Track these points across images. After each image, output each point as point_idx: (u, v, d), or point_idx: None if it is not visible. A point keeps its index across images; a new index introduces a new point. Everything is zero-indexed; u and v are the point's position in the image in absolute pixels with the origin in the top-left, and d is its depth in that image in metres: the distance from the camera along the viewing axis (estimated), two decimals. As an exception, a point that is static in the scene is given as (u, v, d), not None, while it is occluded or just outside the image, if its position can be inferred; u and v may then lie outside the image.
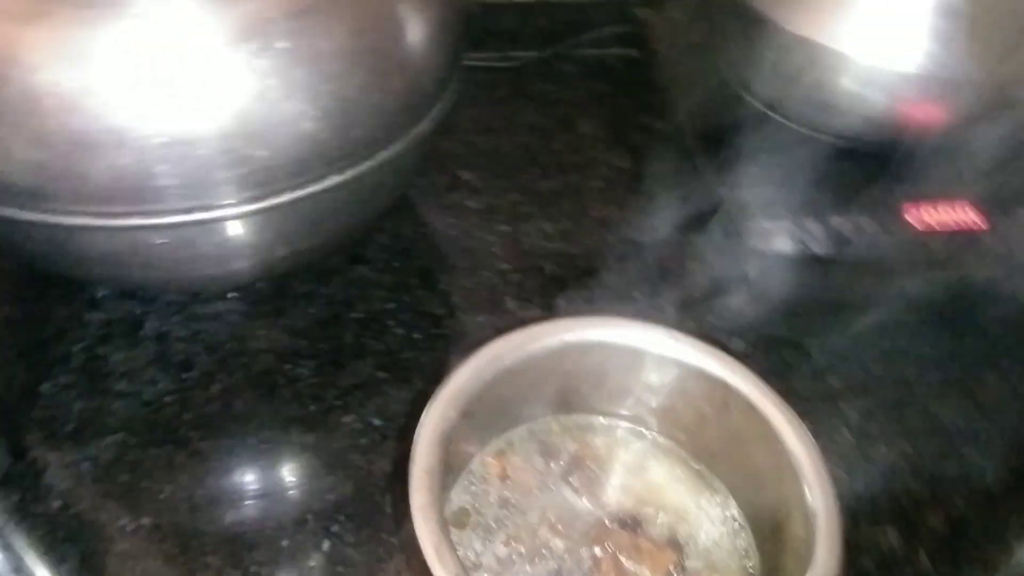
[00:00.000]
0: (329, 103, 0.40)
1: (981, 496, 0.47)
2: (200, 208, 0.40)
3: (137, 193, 0.39)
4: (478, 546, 0.39)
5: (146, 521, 0.43)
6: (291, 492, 0.45)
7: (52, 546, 0.42)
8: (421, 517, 0.32)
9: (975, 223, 0.52)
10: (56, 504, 0.43)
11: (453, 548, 0.32)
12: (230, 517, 0.43)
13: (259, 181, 0.40)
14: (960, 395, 0.51)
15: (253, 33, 0.38)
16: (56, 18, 0.37)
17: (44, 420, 0.46)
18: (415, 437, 0.35)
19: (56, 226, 0.39)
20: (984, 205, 0.53)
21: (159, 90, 0.37)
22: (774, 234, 0.52)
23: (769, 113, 0.60)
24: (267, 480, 0.45)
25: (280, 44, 0.38)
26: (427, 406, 0.36)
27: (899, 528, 0.45)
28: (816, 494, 0.36)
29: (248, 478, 0.45)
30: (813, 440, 0.37)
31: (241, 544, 0.42)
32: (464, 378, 0.37)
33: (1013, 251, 0.52)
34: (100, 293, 0.52)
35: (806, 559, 0.34)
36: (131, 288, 0.52)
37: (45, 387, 0.48)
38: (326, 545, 0.42)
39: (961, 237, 0.52)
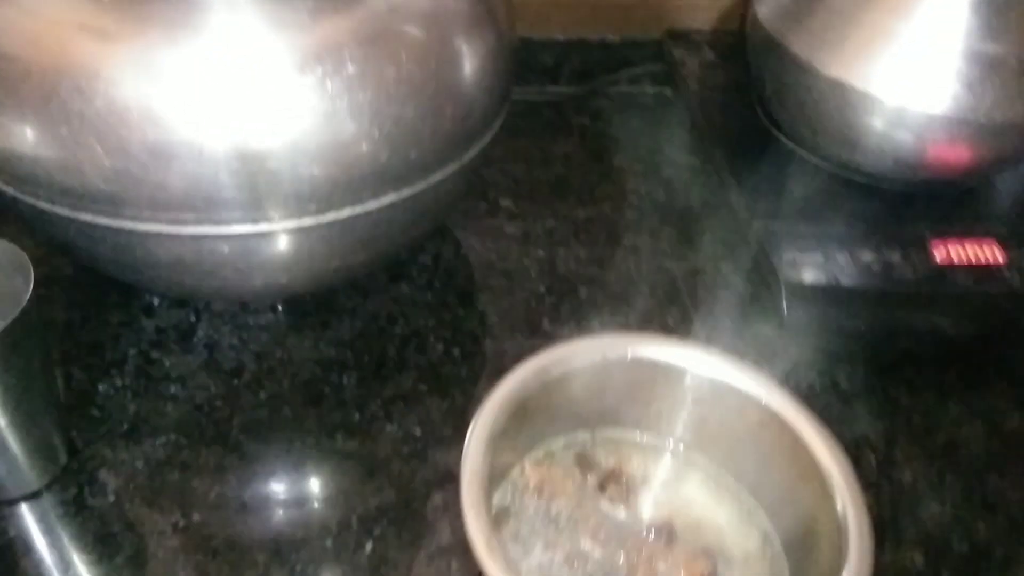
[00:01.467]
0: (390, 126, 0.42)
1: (1004, 521, 0.48)
2: (265, 219, 0.42)
3: (207, 203, 0.41)
4: (517, 551, 0.40)
5: (196, 518, 0.44)
6: (335, 496, 0.46)
7: (105, 539, 0.43)
8: (473, 514, 0.34)
9: (998, 259, 0.54)
10: (111, 499, 0.45)
11: (502, 544, 0.33)
12: (276, 517, 0.45)
13: (321, 196, 0.42)
14: (984, 424, 0.52)
15: (324, 57, 0.40)
16: (141, 37, 0.40)
17: (99, 419, 0.49)
18: (467, 439, 0.37)
19: (131, 232, 0.42)
20: (1008, 243, 0.55)
21: (233, 106, 0.40)
22: (804, 265, 0.54)
23: (799, 151, 0.62)
24: (312, 483, 0.47)
25: (349, 68, 0.41)
26: (478, 410, 0.38)
27: (924, 551, 0.46)
28: (849, 511, 0.37)
29: (294, 481, 0.47)
30: (846, 459, 0.39)
31: (287, 543, 0.44)
32: (512, 386, 0.39)
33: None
34: (155, 301, 0.55)
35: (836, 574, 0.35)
36: (189, 295, 0.54)
37: (101, 388, 0.50)
38: (369, 546, 0.44)
39: (984, 272, 0.53)
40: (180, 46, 0.39)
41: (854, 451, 0.50)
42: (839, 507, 0.37)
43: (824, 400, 0.53)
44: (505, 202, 0.65)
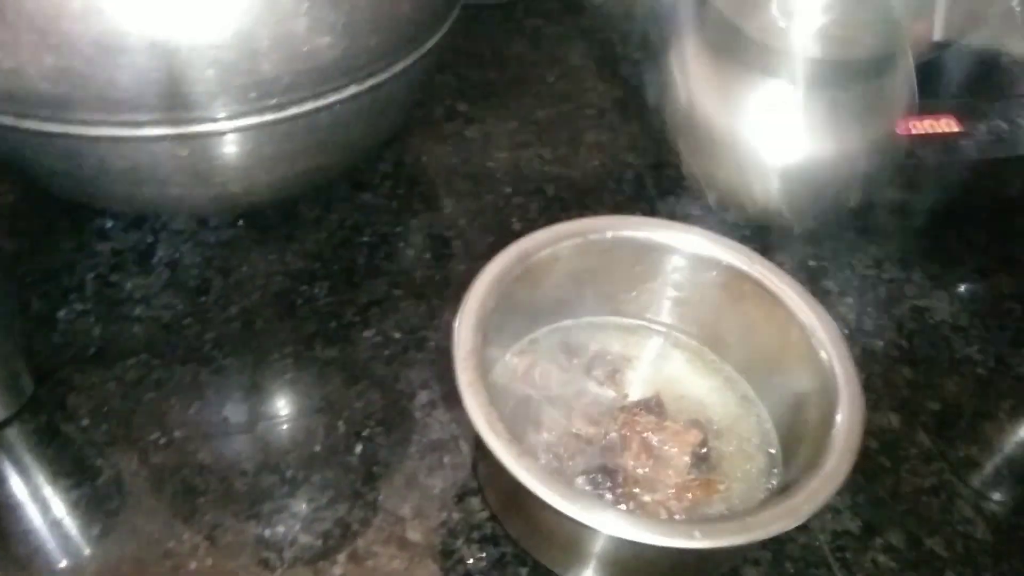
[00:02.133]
0: (350, 12, 0.41)
1: (971, 381, 0.50)
2: (226, 116, 0.40)
3: (161, 101, 0.39)
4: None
5: (178, 434, 0.43)
6: (319, 402, 0.45)
7: (82, 462, 0.42)
8: (470, 393, 0.34)
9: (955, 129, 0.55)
10: (84, 423, 0.43)
11: (503, 419, 0.33)
12: (261, 428, 0.44)
13: (282, 89, 0.40)
14: (944, 292, 0.54)
15: (276, -62, 0.38)
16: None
17: (64, 345, 0.47)
18: (455, 324, 0.36)
19: (81, 138, 0.40)
20: (963, 115, 0.56)
21: (182, -3, 0.37)
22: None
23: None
24: (294, 392, 0.46)
25: (303, -51, 0.38)
26: (465, 295, 0.38)
27: (899, 412, 0.47)
28: (836, 365, 0.38)
29: (275, 391, 0.46)
30: (830, 317, 0.39)
31: (275, 451, 0.43)
32: (496, 270, 0.39)
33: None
34: (108, 224, 0.52)
35: (824, 437, 0.36)
36: (145, 210, 0.52)
37: (61, 314, 0.48)
38: (359, 448, 0.43)
39: (942, 142, 0.55)
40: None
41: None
42: (825, 361, 0.38)
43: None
44: (462, 106, 0.64)
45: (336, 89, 0.42)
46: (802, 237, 0.55)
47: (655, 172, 0.60)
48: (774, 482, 0.39)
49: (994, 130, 0.57)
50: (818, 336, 0.39)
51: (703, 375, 0.44)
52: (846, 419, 0.35)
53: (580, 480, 0.38)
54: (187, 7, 0.37)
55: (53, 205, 0.51)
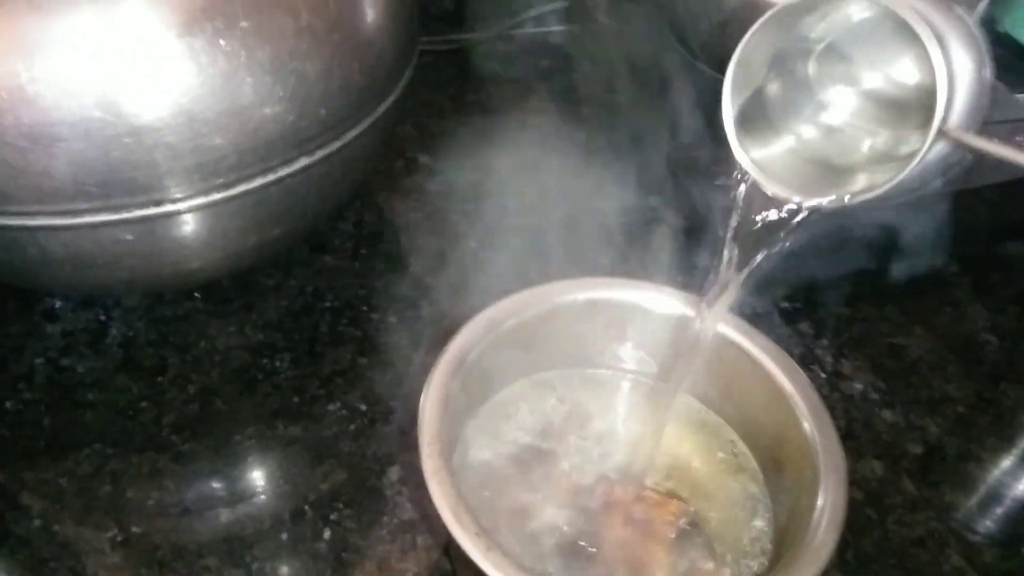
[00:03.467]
0: (295, 83, 0.39)
1: (952, 420, 0.49)
2: (169, 199, 0.38)
3: (102, 188, 0.37)
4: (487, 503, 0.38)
5: (135, 530, 0.41)
6: (284, 485, 0.44)
7: (37, 566, 0.40)
8: (435, 482, 0.32)
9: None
10: (36, 523, 0.41)
11: (470, 509, 0.32)
12: (224, 517, 0.42)
13: (228, 167, 0.39)
14: (920, 327, 0.53)
15: (214, 13, 0.36)
16: (6, 8, 0.35)
17: (12, 439, 0.44)
18: (420, 407, 0.35)
19: (19, 229, 0.38)
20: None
21: (117, 76, 0.36)
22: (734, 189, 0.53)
23: (717, 75, 0.61)
24: (258, 476, 0.44)
25: (243, 23, 0.37)
26: (430, 374, 0.36)
27: (882, 459, 0.46)
28: (815, 428, 0.36)
29: (237, 476, 0.44)
30: (806, 379, 0.38)
31: (239, 543, 0.41)
32: (462, 344, 0.37)
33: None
34: (57, 304, 0.50)
35: (812, 491, 0.35)
36: (94, 293, 0.50)
37: (9, 405, 0.46)
38: (327, 534, 0.41)
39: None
40: (54, 16, 0.35)
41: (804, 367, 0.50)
42: (806, 426, 0.37)
43: (768, 322, 0.53)
44: (424, 158, 0.62)
45: (286, 163, 0.41)
46: (773, 280, 0.54)
47: (624, 217, 0.59)
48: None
49: (961, 162, 0.56)
50: (796, 400, 0.37)
51: (688, 426, 0.42)
52: (829, 498, 0.33)
53: (557, 562, 0.36)
54: (121, 91, 0.35)
55: (-2, 287, 0.49)
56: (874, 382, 0.50)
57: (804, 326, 0.53)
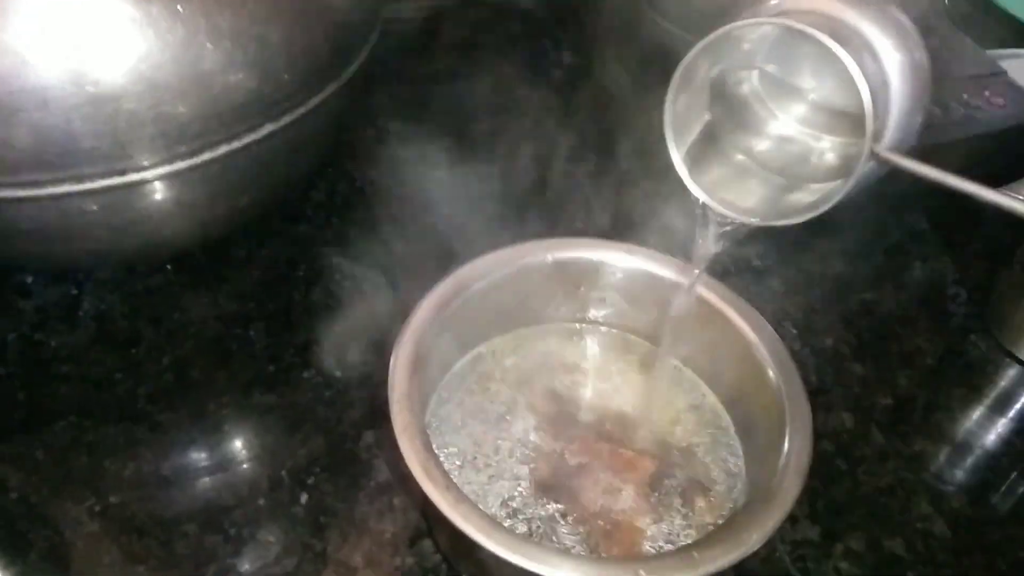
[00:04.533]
0: (256, 48, 0.39)
1: (922, 372, 0.50)
2: (133, 168, 0.38)
3: (63, 158, 0.37)
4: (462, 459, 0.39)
5: (114, 499, 0.41)
6: (261, 452, 0.44)
7: (14, 538, 0.40)
8: (406, 438, 0.32)
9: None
10: (13, 496, 0.41)
11: (440, 464, 0.32)
12: (202, 485, 0.42)
13: (191, 134, 0.39)
14: (890, 282, 0.54)
15: (171, -22, 0.36)
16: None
17: (-13, 414, 0.44)
18: (391, 366, 0.35)
19: (-20, 201, 0.37)
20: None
21: (76, 43, 0.35)
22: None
23: (684, 35, 0.61)
24: (235, 444, 0.44)
25: (200, -12, 0.37)
26: (399, 335, 0.36)
27: (852, 411, 0.47)
28: (781, 378, 0.37)
29: (214, 445, 0.44)
30: (773, 331, 0.39)
31: (217, 509, 0.41)
32: (431, 306, 0.37)
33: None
34: (29, 279, 0.50)
35: (780, 439, 0.35)
36: (63, 267, 0.50)
37: (-17, 381, 0.46)
38: (304, 498, 0.42)
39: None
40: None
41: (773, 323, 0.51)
42: (773, 379, 0.37)
43: (739, 280, 0.53)
44: (395, 126, 0.62)
45: (251, 129, 0.40)
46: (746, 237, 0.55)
47: (595, 180, 0.59)
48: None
49: (927, 117, 0.56)
50: (763, 355, 0.38)
51: (657, 376, 0.43)
52: (795, 444, 0.34)
53: (528, 507, 0.37)
54: (79, 60, 0.35)
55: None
56: (845, 337, 0.51)
57: (775, 283, 0.53)
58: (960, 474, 0.46)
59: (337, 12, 0.42)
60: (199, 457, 0.44)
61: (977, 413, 0.49)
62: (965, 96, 0.59)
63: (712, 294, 0.40)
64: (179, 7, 0.36)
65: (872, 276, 0.54)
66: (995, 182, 0.60)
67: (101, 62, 0.36)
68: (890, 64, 0.31)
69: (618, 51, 0.64)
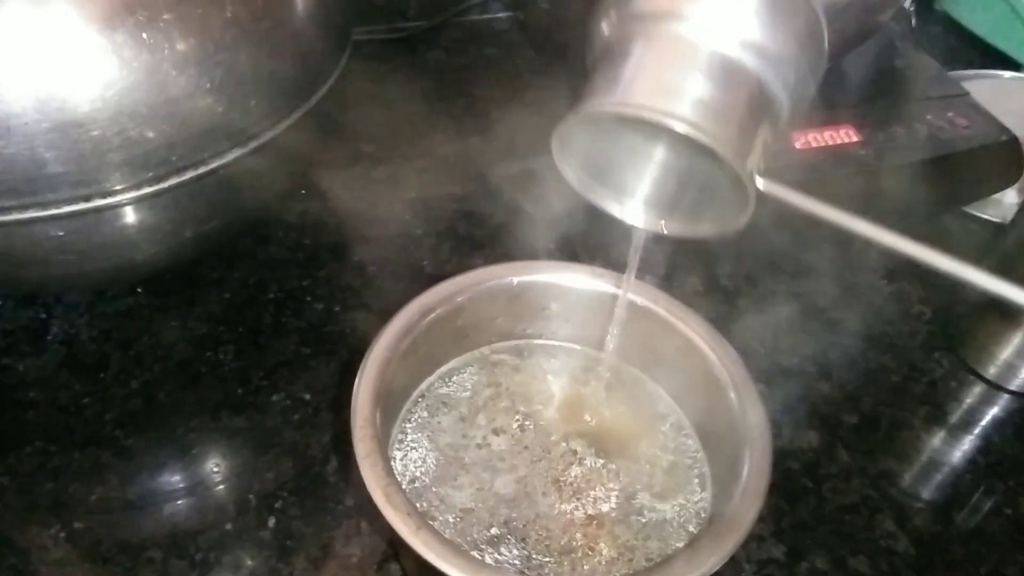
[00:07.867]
0: (222, 74, 0.39)
1: (886, 390, 0.50)
2: (99, 194, 0.38)
3: (29, 184, 0.37)
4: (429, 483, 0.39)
5: (79, 526, 0.41)
6: (228, 477, 0.44)
7: (-21, 566, 0.40)
8: (367, 465, 0.33)
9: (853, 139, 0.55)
10: (-22, 522, 0.41)
11: (402, 491, 0.32)
12: (168, 510, 0.42)
13: (158, 160, 0.39)
14: (855, 300, 0.55)
15: (137, 6, 0.36)
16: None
17: (-48, 440, 0.44)
18: (354, 391, 0.35)
19: (-57, 227, 0.37)
20: (862, 123, 0.56)
21: (40, 71, 0.35)
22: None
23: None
24: (202, 468, 0.44)
25: (165, 15, 0.37)
26: (363, 362, 0.36)
27: (818, 429, 0.48)
28: (745, 406, 0.37)
29: (181, 469, 0.44)
30: (737, 355, 0.39)
31: (183, 534, 0.41)
32: (396, 330, 0.38)
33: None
34: (-4, 303, 0.50)
35: (739, 462, 0.36)
36: (31, 291, 0.49)
37: (-52, 406, 0.45)
38: (272, 522, 0.42)
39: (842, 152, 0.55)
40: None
41: (741, 343, 0.51)
42: (736, 403, 0.38)
43: (706, 301, 0.53)
44: (368, 147, 0.62)
45: (218, 155, 0.41)
46: (713, 256, 0.55)
47: (568, 202, 0.59)
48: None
49: (892, 136, 0.57)
50: (724, 376, 0.38)
51: (628, 395, 0.43)
52: (754, 466, 0.34)
53: (493, 532, 0.37)
54: (44, 87, 0.35)
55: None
56: (811, 355, 0.51)
57: (744, 302, 0.54)
58: (924, 492, 0.46)
59: (305, 38, 0.43)
60: (166, 481, 0.44)
61: (941, 431, 0.49)
62: (929, 117, 0.59)
63: (673, 314, 0.41)
64: (144, 35, 0.37)
65: (838, 295, 0.55)
66: (960, 203, 0.61)
67: (66, 89, 0.36)
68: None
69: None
